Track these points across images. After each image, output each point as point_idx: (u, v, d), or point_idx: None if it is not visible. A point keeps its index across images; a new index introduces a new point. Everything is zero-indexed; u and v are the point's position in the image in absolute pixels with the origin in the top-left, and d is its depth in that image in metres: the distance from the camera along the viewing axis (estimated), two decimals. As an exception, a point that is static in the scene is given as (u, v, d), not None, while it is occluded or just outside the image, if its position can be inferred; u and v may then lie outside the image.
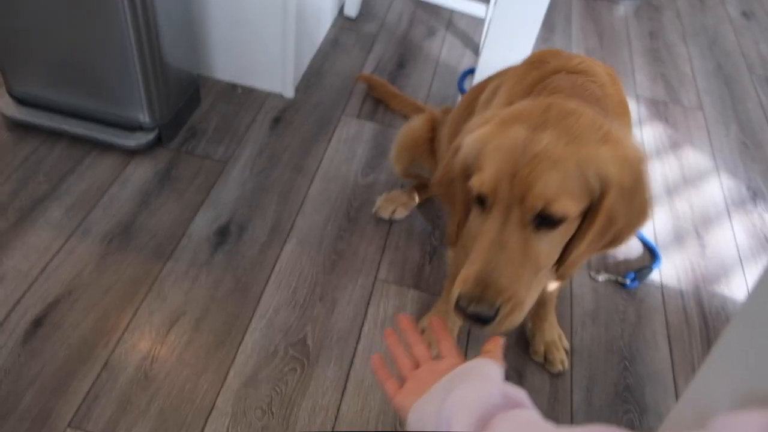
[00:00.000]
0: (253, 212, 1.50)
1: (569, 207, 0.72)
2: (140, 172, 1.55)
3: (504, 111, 0.80)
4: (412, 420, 0.66)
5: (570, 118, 0.74)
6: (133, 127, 1.58)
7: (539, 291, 0.81)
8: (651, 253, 1.60)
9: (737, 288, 1.56)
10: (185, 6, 1.58)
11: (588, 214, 0.76)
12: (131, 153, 1.59)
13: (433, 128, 1.43)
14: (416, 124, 1.45)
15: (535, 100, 0.83)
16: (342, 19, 2.25)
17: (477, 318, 0.74)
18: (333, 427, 1.15)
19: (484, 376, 0.65)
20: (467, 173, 0.79)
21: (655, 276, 1.54)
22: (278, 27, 1.71)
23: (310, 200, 1.56)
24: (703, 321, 1.47)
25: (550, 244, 0.75)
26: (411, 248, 1.50)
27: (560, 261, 0.80)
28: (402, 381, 0.74)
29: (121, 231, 1.41)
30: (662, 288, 1.52)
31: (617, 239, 0.80)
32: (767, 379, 0.49)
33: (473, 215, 0.81)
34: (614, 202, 0.73)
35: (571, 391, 1.27)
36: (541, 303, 1.30)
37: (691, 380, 0.62)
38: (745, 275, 1.59)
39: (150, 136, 1.58)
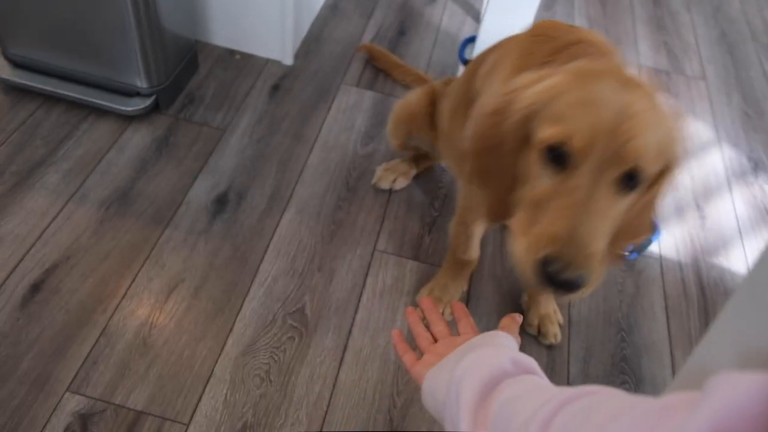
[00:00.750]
0: (251, 180, 1.49)
1: (654, 166, 0.70)
2: (138, 138, 1.53)
3: (570, 66, 0.76)
4: (426, 388, 0.67)
5: (645, 86, 0.73)
6: (131, 93, 1.55)
7: None
8: (650, 225, 1.59)
9: (736, 260, 1.56)
10: (182, -31, 1.55)
11: (648, 194, 0.75)
12: (129, 119, 1.57)
13: (433, 101, 1.41)
14: (414, 97, 1.43)
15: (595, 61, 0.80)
16: (342, -16, 2.21)
17: (569, 285, 0.66)
18: (330, 396, 1.16)
19: (497, 344, 0.65)
20: (526, 131, 0.74)
21: (654, 248, 1.54)
22: (277, -9, 1.67)
23: (309, 169, 1.55)
24: (701, 293, 1.47)
25: (625, 207, 0.72)
26: (410, 219, 1.50)
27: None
28: (420, 354, 0.75)
29: (119, 197, 1.40)
30: (661, 260, 1.52)
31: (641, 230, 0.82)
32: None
33: (541, 175, 0.72)
34: (668, 180, 0.74)
35: (568, 362, 1.28)
36: None
37: (690, 354, 0.62)
38: (744, 247, 1.59)
39: (147, 102, 1.55)
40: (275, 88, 1.75)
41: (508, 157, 0.77)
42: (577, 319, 1.36)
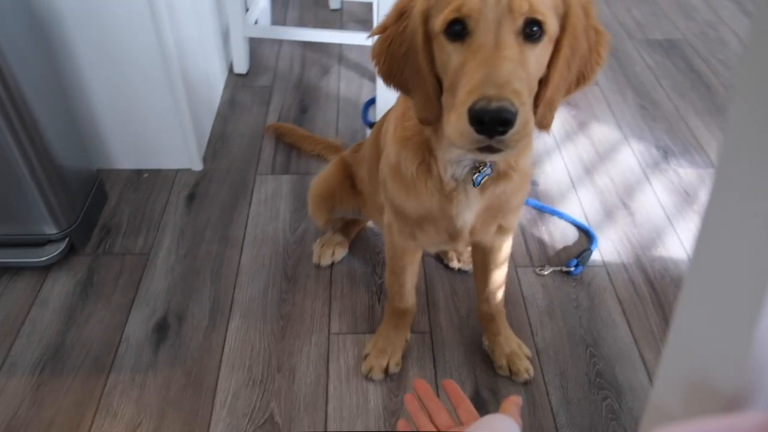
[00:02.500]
0: (188, 298, 1.44)
1: (547, 14, 0.75)
2: (59, 287, 1.46)
3: None
4: None
5: None
6: (41, 242, 1.49)
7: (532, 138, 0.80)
8: (587, 235, 1.63)
9: (673, 247, 1.60)
10: (67, 108, 1.52)
11: (557, 46, 0.80)
12: (45, 269, 1.50)
13: (346, 170, 1.42)
14: (326, 173, 1.44)
15: None
16: (234, 78, 2.22)
17: (500, 117, 0.70)
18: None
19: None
20: (427, 22, 0.79)
21: (596, 256, 1.57)
22: (169, 103, 1.66)
23: (245, 270, 1.51)
24: (651, 287, 1.50)
25: (537, 57, 0.77)
26: (357, 292, 1.47)
27: (539, 99, 0.82)
28: None
29: (52, 355, 1.32)
30: (606, 266, 1.55)
31: (587, 71, 0.85)
32: (731, 336, 0.49)
33: (449, 53, 0.77)
34: (576, 21, 0.79)
35: (547, 393, 1.27)
36: (491, 318, 1.30)
37: (660, 358, 0.62)
38: (677, 232, 1.64)
39: (61, 247, 1.49)
40: (191, 197, 1.72)
41: (421, 57, 0.81)
42: (543, 347, 1.36)
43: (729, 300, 0.46)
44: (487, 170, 0.96)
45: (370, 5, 2.65)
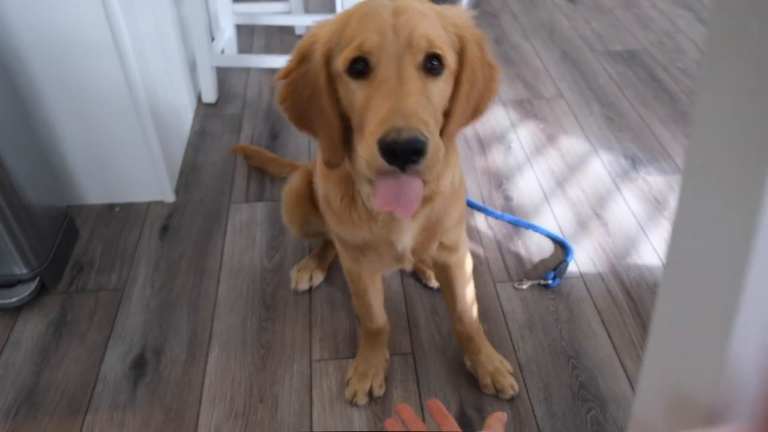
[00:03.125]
0: (165, 332, 1.42)
1: (446, 49, 0.79)
2: (31, 328, 1.43)
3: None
4: None
5: None
6: (11, 282, 1.45)
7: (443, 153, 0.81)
8: (562, 247, 1.64)
9: (647, 254, 1.63)
10: (34, 145, 1.50)
11: (457, 80, 0.83)
12: (16, 310, 1.46)
13: (311, 181, 1.43)
14: (294, 181, 1.44)
15: None
16: (203, 107, 2.22)
17: (411, 147, 0.71)
18: None
19: None
20: (331, 71, 0.81)
21: (572, 268, 1.59)
22: (138, 135, 1.65)
23: (222, 301, 1.49)
24: (628, 296, 1.52)
25: (439, 90, 0.80)
26: (337, 317, 1.46)
27: (443, 131, 0.84)
28: None
29: (25, 398, 1.28)
30: (582, 277, 1.57)
31: (482, 102, 0.89)
32: (705, 348, 0.50)
33: (354, 91, 0.79)
34: (473, 54, 0.83)
35: (532, 407, 1.27)
36: (468, 337, 1.30)
37: (641, 366, 0.62)
38: (649, 239, 1.67)
39: (32, 287, 1.46)
40: (164, 229, 1.70)
41: (325, 99, 0.83)
42: (525, 361, 1.36)
43: (702, 311, 0.46)
44: None
45: (336, 29, 2.67)
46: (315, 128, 0.88)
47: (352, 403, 1.27)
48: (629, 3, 2.97)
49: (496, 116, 2.17)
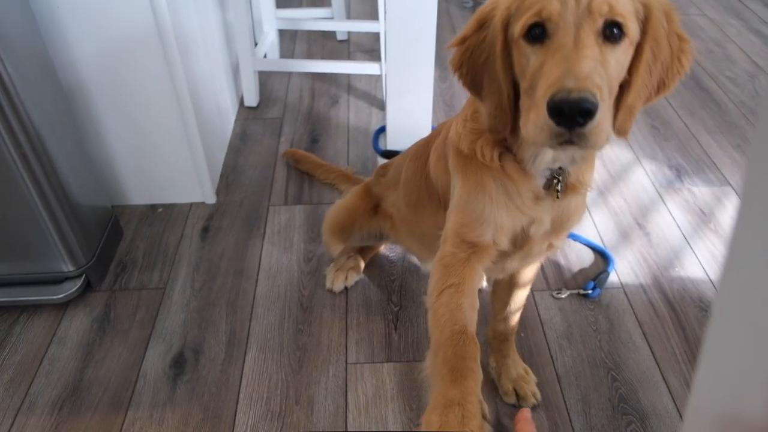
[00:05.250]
0: (204, 332, 1.44)
1: (627, 16, 0.76)
2: (77, 324, 1.46)
3: None
4: None
5: None
6: (59, 279, 1.50)
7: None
8: (603, 257, 1.61)
9: (691, 266, 1.59)
10: (82, 146, 1.54)
11: (638, 51, 0.79)
12: (63, 306, 1.50)
13: (369, 197, 1.43)
14: (349, 201, 1.44)
15: None
16: (244, 111, 2.25)
17: (580, 107, 0.69)
18: None
19: None
20: (509, 30, 0.79)
21: (613, 278, 1.56)
22: (182, 137, 1.68)
23: (260, 302, 1.51)
24: (670, 308, 1.48)
25: (616, 59, 0.77)
26: (373, 321, 1.47)
27: (621, 104, 0.81)
28: None
29: (70, 393, 1.31)
30: (623, 288, 1.53)
31: (669, 77, 0.83)
32: (763, 368, 0.48)
33: (528, 56, 0.78)
34: (658, 25, 0.79)
35: (570, 419, 1.25)
36: (504, 338, 1.29)
37: (688, 397, 0.60)
38: (694, 252, 1.63)
39: (78, 284, 1.50)
40: (205, 230, 1.73)
41: (500, 65, 0.82)
42: (563, 372, 1.34)
43: (758, 329, 0.45)
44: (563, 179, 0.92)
45: (376, 35, 2.69)
46: (484, 94, 0.87)
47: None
48: (678, 10, 2.90)
49: (537, 123, 2.15)
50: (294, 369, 1.36)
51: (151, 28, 1.48)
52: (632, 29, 0.77)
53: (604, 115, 0.72)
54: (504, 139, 0.91)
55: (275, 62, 2.37)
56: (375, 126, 2.15)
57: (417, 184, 1.21)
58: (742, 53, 2.53)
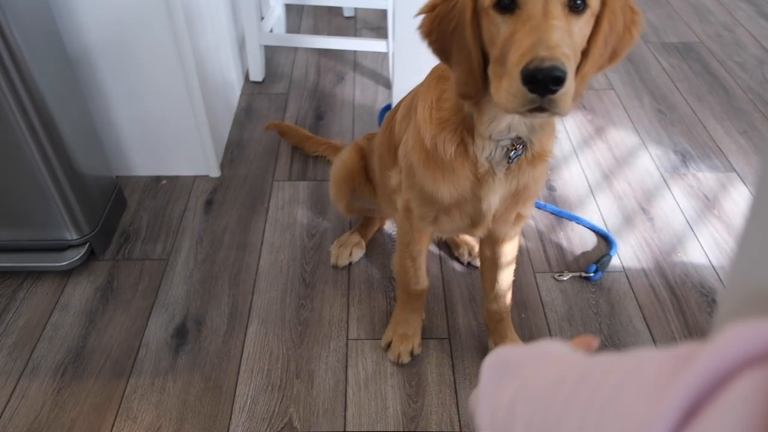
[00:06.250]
0: (206, 303, 1.45)
1: None
2: (80, 292, 1.47)
3: None
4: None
5: None
6: (63, 247, 1.50)
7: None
8: (606, 241, 1.62)
9: (694, 252, 1.59)
10: (88, 115, 1.53)
11: (597, 21, 0.84)
12: (66, 273, 1.51)
13: (363, 156, 1.44)
14: (346, 155, 1.46)
15: None
16: (250, 85, 2.24)
17: (553, 75, 0.73)
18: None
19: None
20: (476, 5, 0.82)
21: (615, 261, 1.56)
22: (188, 111, 1.67)
23: (262, 276, 1.51)
24: (671, 293, 1.48)
25: (580, 28, 0.81)
26: (374, 298, 1.47)
27: (578, 71, 0.85)
28: None
29: (73, 359, 1.33)
30: (625, 271, 1.54)
31: (620, 47, 0.88)
32: None
33: (498, 25, 0.81)
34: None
35: (568, 399, 1.26)
36: (499, 318, 1.30)
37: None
38: (697, 238, 1.63)
39: (81, 252, 1.50)
40: (208, 203, 1.73)
41: (469, 33, 0.84)
42: (564, 354, 1.35)
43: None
44: (520, 150, 0.98)
45: (383, 12, 2.66)
46: (454, 60, 0.90)
47: (398, 363, 1.32)
48: (687, -6, 2.88)
49: (543, 105, 2.14)
50: (295, 343, 1.37)
51: (158, 1, 1.47)
52: (594, 1, 0.81)
53: (570, 83, 0.76)
54: (464, 119, 0.98)
55: (281, 37, 2.35)
56: (381, 104, 2.13)
57: (387, 147, 1.25)
58: (752, 38, 2.51)
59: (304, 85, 2.25)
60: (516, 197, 1.06)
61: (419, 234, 1.21)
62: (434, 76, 1.05)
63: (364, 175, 1.45)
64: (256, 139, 1.97)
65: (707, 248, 1.59)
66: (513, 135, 0.95)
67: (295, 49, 2.45)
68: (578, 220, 1.67)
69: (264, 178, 1.82)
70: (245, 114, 2.09)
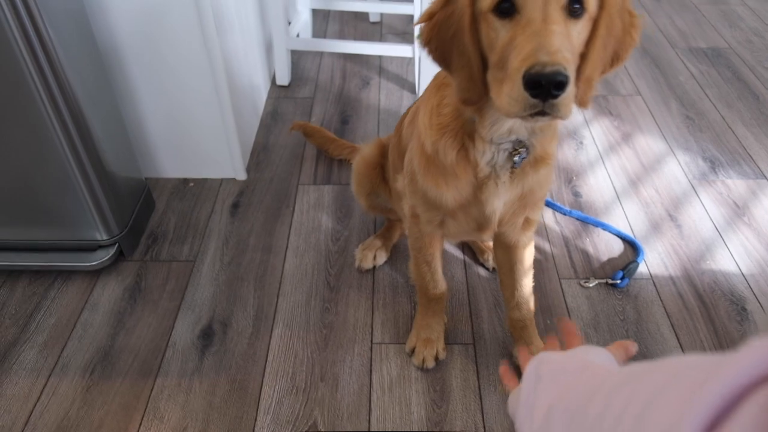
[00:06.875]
0: (232, 305, 1.46)
1: None
2: (109, 292, 1.50)
3: None
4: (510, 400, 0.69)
5: None
6: (92, 247, 1.53)
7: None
8: (633, 247, 1.60)
9: (723, 260, 1.56)
10: (118, 115, 1.56)
11: (595, 25, 0.84)
12: (96, 273, 1.54)
13: (383, 154, 1.45)
14: (367, 150, 1.47)
15: None
16: (276, 89, 2.26)
17: (555, 80, 0.73)
18: None
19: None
20: (476, 4, 0.82)
21: (642, 269, 1.54)
22: (216, 113, 1.69)
23: (288, 279, 1.52)
24: (700, 301, 1.46)
25: (578, 32, 0.82)
26: (399, 302, 1.47)
27: (579, 74, 0.85)
28: None
29: (102, 358, 1.35)
30: (652, 279, 1.52)
31: (621, 50, 0.89)
32: None
33: (498, 30, 0.81)
34: (613, 2, 0.83)
35: (594, 407, 1.24)
36: (523, 326, 1.30)
37: None
38: (726, 245, 1.60)
39: (111, 252, 1.53)
40: (235, 206, 1.75)
41: (468, 38, 0.85)
42: (589, 361, 1.33)
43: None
44: (524, 153, 0.98)
45: (409, 18, 2.67)
46: (454, 66, 0.91)
47: (423, 368, 1.32)
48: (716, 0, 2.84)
49: (569, 111, 2.12)
50: (320, 346, 1.37)
51: (189, 4, 1.49)
52: (591, 4, 0.81)
53: (571, 87, 0.77)
54: (465, 124, 0.99)
55: (308, 42, 2.37)
56: (405, 109, 2.14)
57: (397, 152, 1.27)
58: (784, 46, 2.47)
59: (330, 90, 2.26)
60: (522, 201, 1.06)
61: (429, 238, 1.22)
62: (435, 83, 1.06)
63: (381, 174, 1.46)
64: (282, 142, 1.99)
65: (737, 256, 1.57)
66: (514, 138, 0.96)
67: (321, 53, 2.46)
68: (604, 227, 1.66)
69: (289, 182, 1.83)
70: (272, 118, 2.11)
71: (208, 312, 1.45)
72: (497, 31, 0.81)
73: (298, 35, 2.39)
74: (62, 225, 1.49)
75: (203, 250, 1.61)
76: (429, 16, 0.90)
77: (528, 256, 1.23)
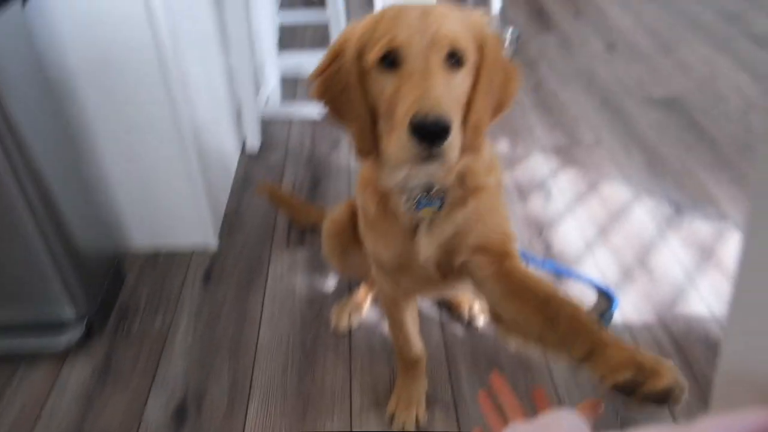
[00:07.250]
0: (206, 379, 1.42)
1: (468, 45, 0.87)
2: (76, 373, 1.45)
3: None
4: None
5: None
6: (59, 325, 1.49)
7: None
8: (606, 297, 1.61)
9: (695, 303, 1.58)
10: (85, 187, 1.55)
11: (477, 75, 0.90)
12: (63, 354, 1.49)
13: (355, 213, 1.44)
14: (336, 212, 1.46)
15: None
16: (246, 156, 2.27)
17: (438, 126, 0.78)
18: None
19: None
20: (362, 59, 0.87)
21: (617, 317, 1.55)
22: (185, 181, 1.69)
23: (263, 349, 1.50)
24: (676, 347, 1.47)
25: (459, 82, 0.87)
26: (377, 365, 1.45)
27: (466, 121, 0.90)
28: None
29: (70, 444, 1.29)
30: (627, 327, 1.53)
31: (504, 98, 0.94)
32: None
33: (383, 82, 0.85)
34: (491, 51, 0.90)
35: (579, 464, 1.22)
36: (600, 350, 1.07)
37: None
38: (697, 288, 1.62)
39: (79, 330, 1.49)
40: (207, 275, 1.72)
41: (356, 92, 0.89)
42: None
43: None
44: (436, 198, 0.98)
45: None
46: (347, 120, 0.94)
47: None
48: (668, 49, 2.97)
49: (535, 163, 2.17)
50: (298, 417, 1.34)
51: (155, 70, 1.50)
52: (470, 56, 0.87)
53: (456, 132, 0.81)
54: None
55: (278, 110, 2.41)
56: (375, 168, 2.16)
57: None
58: (734, 89, 2.57)
59: (300, 153, 2.28)
60: (461, 237, 0.99)
61: (394, 301, 1.22)
62: None
63: (353, 235, 1.44)
64: (254, 208, 1.99)
65: (708, 299, 1.59)
66: (422, 183, 0.96)
67: (291, 119, 2.50)
68: (577, 277, 1.67)
69: (262, 248, 1.82)
70: (242, 184, 2.11)
71: (181, 388, 1.41)
72: (383, 84, 0.86)
73: (267, 100, 2.43)
74: (27, 304, 1.45)
75: (175, 322, 1.57)
76: (320, 72, 0.94)
77: (529, 269, 1.02)
